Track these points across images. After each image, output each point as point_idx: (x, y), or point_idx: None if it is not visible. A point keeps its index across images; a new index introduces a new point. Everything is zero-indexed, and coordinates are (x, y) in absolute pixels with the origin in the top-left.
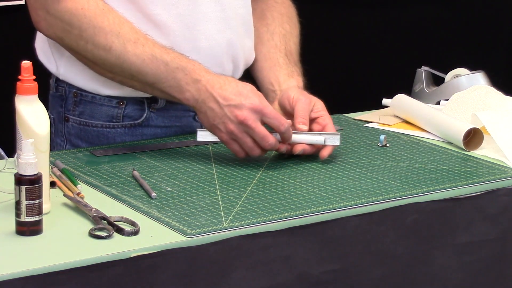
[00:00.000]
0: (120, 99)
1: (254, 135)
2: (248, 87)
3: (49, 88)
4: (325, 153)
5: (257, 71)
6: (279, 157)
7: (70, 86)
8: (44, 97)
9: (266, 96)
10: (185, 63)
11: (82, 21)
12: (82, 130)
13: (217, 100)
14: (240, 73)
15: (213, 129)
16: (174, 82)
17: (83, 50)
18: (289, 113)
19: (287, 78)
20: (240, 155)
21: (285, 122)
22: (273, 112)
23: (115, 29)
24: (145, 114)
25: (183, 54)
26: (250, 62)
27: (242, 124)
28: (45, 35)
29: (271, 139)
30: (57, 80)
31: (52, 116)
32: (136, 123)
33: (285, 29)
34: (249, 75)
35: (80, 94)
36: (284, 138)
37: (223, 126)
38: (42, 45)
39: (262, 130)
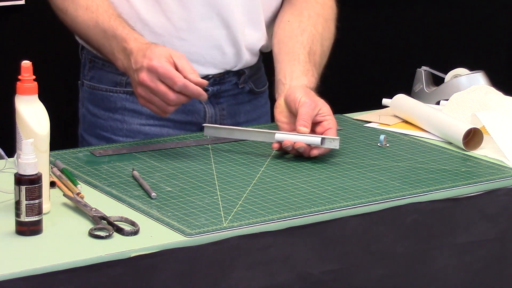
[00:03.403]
0: None
1: (156, 95)
2: (158, 49)
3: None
4: (315, 151)
5: (277, 61)
6: (279, 157)
7: (88, 52)
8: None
9: (276, 87)
10: (120, 31)
11: None
12: (91, 93)
13: (131, 66)
14: (245, 59)
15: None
16: (110, 50)
17: (56, 10)
18: (293, 114)
19: (300, 75)
20: (161, 115)
21: (178, 81)
22: (167, 72)
23: None
24: None
25: (126, 23)
26: (257, 51)
27: (144, 86)
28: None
29: (171, 95)
30: (82, 48)
31: (79, 82)
32: None
33: (317, 30)
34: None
35: (94, 61)
36: (191, 94)
37: (136, 90)
38: None
39: (160, 89)
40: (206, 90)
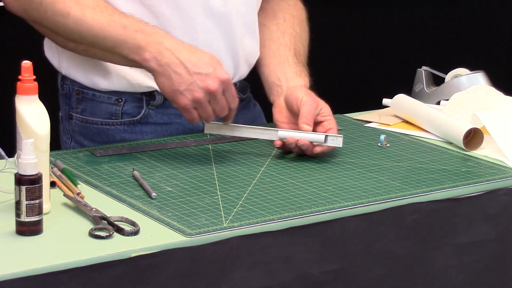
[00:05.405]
0: (118, 96)
1: (217, 106)
2: (215, 58)
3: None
4: (318, 148)
5: (263, 65)
6: (280, 157)
7: (73, 83)
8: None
9: (270, 90)
10: (144, 25)
11: None
12: (84, 127)
13: (186, 66)
14: (241, 71)
15: (175, 94)
16: (133, 44)
17: (44, 18)
18: (295, 113)
19: (294, 76)
20: (195, 122)
21: (236, 102)
22: (235, 91)
23: None
24: (143, 111)
25: (143, 20)
26: (253, 62)
27: (210, 94)
28: (12, 11)
29: (227, 110)
30: (63, 78)
31: (60, 114)
32: (135, 120)
33: (296, 31)
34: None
35: (82, 92)
36: (225, 117)
37: (190, 93)
38: (48, 41)
39: (223, 102)
40: None
